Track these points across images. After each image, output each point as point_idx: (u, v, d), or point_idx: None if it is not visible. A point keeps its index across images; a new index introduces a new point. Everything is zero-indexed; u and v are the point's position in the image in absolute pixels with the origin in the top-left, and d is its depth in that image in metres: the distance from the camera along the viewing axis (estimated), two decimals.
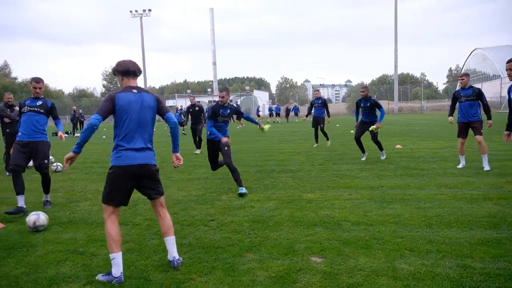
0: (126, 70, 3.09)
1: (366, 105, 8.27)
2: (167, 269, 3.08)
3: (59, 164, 8.60)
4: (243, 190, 5.59)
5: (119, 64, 3.12)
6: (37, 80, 5.21)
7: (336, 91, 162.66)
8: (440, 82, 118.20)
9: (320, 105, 11.61)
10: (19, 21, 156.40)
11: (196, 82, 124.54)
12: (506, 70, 4.59)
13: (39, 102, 5.24)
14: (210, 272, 3.02)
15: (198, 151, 11.06)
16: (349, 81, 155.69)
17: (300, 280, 2.85)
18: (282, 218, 4.38)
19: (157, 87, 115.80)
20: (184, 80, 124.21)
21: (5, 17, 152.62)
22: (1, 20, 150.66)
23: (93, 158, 10.87)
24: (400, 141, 12.35)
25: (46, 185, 5.27)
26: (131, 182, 3.02)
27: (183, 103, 52.77)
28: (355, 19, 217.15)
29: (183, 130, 19.95)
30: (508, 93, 5.07)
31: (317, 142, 11.80)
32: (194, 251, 3.44)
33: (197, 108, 11.22)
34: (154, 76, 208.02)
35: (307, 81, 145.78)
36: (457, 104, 7.09)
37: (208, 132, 5.93)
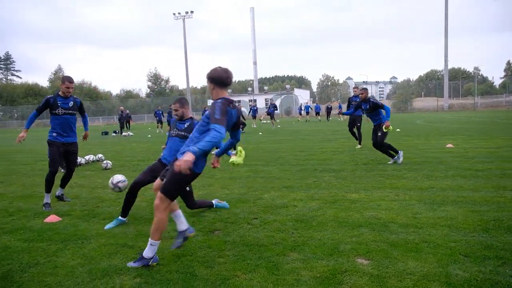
0: (218, 79, 3.07)
1: (366, 107, 8.00)
2: (212, 265, 3.14)
3: (108, 161, 9.08)
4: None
5: (213, 71, 3.11)
6: (71, 80, 5.29)
7: (380, 88, 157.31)
8: (496, 76, 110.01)
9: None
10: (71, 27, 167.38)
11: (236, 81, 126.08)
12: None
13: (71, 103, 5.38)
14: (254, 269, 3.03)
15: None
16: (394, 77, 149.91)
17: (346, 281, 2.78)
18: (326, 218, 4.30)
19: (198, 87, 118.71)
20: None
21: (58, 24, 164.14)
22: (54, 27, 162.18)
23: (139, 156, 11.35)
24: (451, 140, 11.66)
25: (68, 180, 5.64)
26: None
27: None
28: (400, 12, 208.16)
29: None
30: None
31: (360, 142, 11.34)
32: (238, 249, 3.48)
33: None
34: (196, 76, 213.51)
35: (349, 78, 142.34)
36: None
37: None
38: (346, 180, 6.38)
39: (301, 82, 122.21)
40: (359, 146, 11.08)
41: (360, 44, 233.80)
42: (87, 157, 10.11)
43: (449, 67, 54.69)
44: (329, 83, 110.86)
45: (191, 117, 4.49)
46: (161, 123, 26.26)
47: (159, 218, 3.12)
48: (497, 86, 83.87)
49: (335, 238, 3.64)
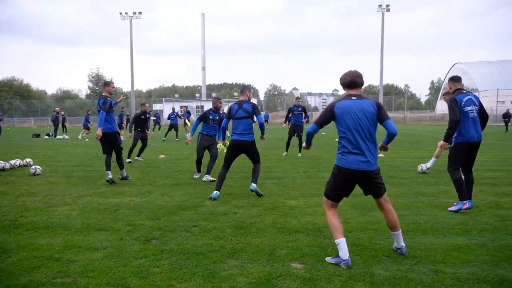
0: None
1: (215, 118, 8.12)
2: (146, 275, 3.06)
3: (38, 167, 8.42)
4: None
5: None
6: None
7: (323, 99, 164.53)
8: (422, 94, 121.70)
9: (300, 113, 11.48)
10: (5, 18, 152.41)
11: (184, 86, 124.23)
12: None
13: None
14: (190, 278, 3.01)
15: (130, 160, 10.25)
16: (336, 90, 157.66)
17: (279, 286, 2.88)
18: (264, 224, 4.40)
19: (144, 90, 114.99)
20: (172, 84, 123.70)
21: None
22: None
23: (75, 161, 10.67)
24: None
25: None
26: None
27: (170, 106, 52.36)
28: (343, 29, 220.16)
29: (123, 136, 19.65)
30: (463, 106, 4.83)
31: (287, 150, 11.68)
32: (175, 257, 3.43)
33: (148, 116, 10.81)
34: (143, 79, 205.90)
35: (295, 88, 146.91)
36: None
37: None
38: (286, 187, 6.59)
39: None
40: (286, 153, 11.62)
41: (307, 55, 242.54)
42: (12, 162, 9.25)
43: (384, 83, 59.10)
44: (276, 93, 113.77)
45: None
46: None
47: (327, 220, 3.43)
48: (423, 103, 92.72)
49: (272, 244, 3.75)
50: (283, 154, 11.57)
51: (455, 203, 4.97)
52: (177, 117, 19.59)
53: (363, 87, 3.62)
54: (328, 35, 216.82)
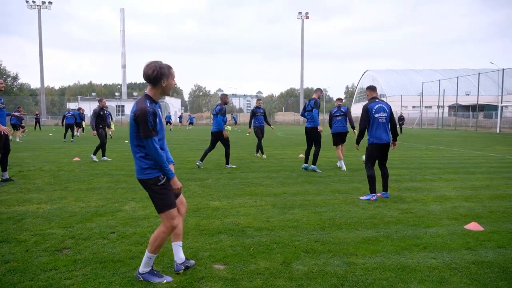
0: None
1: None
2: None
3: None
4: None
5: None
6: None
7: (247, 101, 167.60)
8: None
9: (262, 114, 11.43)
10: None
11: (102, 84, 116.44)
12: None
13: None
14: None
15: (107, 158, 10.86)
16: (260, 92, 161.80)
17: None
18: (187, 227, 4.33)
19: (56, 87, 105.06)
20: (89, 81, 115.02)
21: None
22: None
23: None
24: (303, 151, 13.24)
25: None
26: None
27: (87, 106, 48.70)
28: (269, 32, 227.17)
29: (78, 134, 18.67)
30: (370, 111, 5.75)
31: (263, 153, 11.58)
32: (89, 267, 3.20)
33: (106, 113, 11.34)
34: (54, 75, 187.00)
35: (220, 90, 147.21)
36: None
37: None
38: (210, 189, 6.57)
39: (173, 91, 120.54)
40: (264, 156, 11.42)
41: (232, 57, 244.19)
42: None
43: (304, 86, 62.51)
44: (201, 93, 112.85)
45: None
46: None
47: None
48: None
49: (195, 247, 3.71)
50: (263, 156, 11.38)
51: (365, 194, 5.85)
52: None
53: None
54: (252, 38, 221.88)
